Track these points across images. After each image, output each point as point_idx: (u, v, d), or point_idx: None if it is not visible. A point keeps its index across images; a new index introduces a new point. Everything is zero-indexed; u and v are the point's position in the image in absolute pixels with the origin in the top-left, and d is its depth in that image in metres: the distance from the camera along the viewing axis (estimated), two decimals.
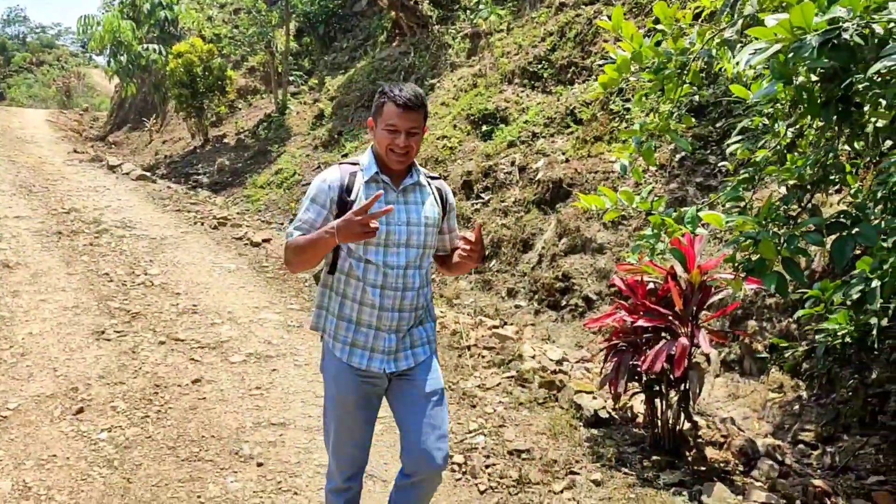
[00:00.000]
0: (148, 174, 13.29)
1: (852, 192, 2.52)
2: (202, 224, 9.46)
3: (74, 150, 16.23)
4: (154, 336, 5.34)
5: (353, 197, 2.56)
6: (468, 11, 13.05)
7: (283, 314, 6.11)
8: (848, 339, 3.38)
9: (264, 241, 8.66)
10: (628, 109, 7.83)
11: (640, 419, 4.30)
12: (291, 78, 15.83)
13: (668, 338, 3.66)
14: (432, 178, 2.80)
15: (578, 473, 3.72)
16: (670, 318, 3.66)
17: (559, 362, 5.26)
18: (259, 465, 3.66)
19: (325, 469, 3.69)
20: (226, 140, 15.79)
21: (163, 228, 8.88)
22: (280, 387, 4.63)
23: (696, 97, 6.84)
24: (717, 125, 6.91)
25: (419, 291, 2.66)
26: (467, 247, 2.53)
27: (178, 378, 4.63)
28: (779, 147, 2.41)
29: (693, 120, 2.92)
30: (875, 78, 1.84)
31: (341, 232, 2.37)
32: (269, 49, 15.43)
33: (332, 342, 2.67)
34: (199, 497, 3.36)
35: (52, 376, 4.55)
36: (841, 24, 1.78)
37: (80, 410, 4.11)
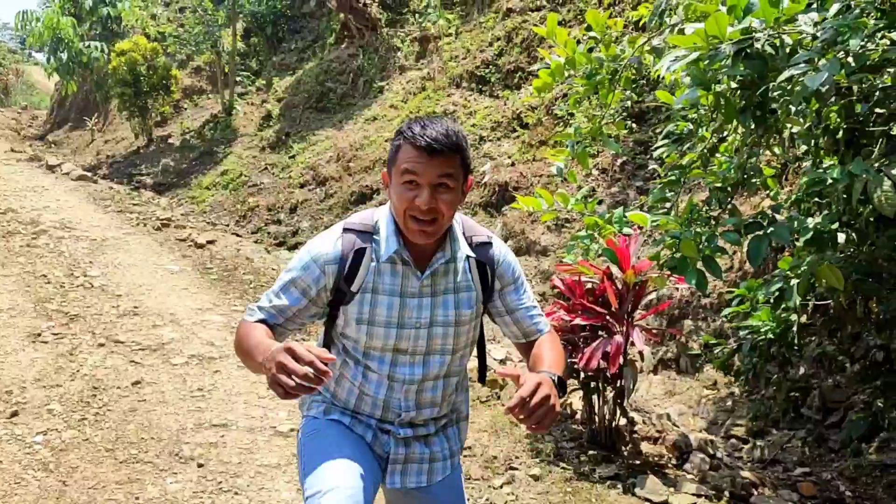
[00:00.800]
0: (89, 174, 12.99)
1: (772, 194, 2.65)
2: (145, 225, 9.31)
3: (12, 149, 15.77)
4: (93, 338, 5.24)
5: (355, 287, 1.87)
6: (417, 15, 13.13)
7: (226, 316, 6.07)
8: (771, 336, 3.53)
9: (209, 242, 8.56)
10: (573, 115, 7.99)
11: (578, 415, 4.40)
12: (239, 78, 15.66)
13: (605, 336, 3.77)
14: (481, 244, 1.99)
15: (518, 469, 3.80)
16: (606, 316, 3.77)
17: (502, 361, 5.35)
18: (200, 465, 3.64)
19: (267, 469, 3.71)
20: (171, 140, 15.52)
21: (104, 229, 8.71)
22: (222, 388, 4.60)
23: (637, 102, 7.03)
24: (657, 130, 7.10)
25: (446, 396, 2.02)
26: (517, 410, 1.58)
27: (117, 380, 4.56)
28: (703, 151, 2.52)
29: (625, 125, 3.02)
30: (785, 86, 1.95)
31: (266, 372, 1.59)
32: (216, 49, 15.22)
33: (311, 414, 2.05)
34: (137, 498, 3.33)
35: None
36: (754, 34, 1.89)
37: (15, 414, 4.02)
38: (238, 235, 9.92)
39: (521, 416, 1.54)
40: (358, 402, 1.98)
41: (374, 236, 1.92)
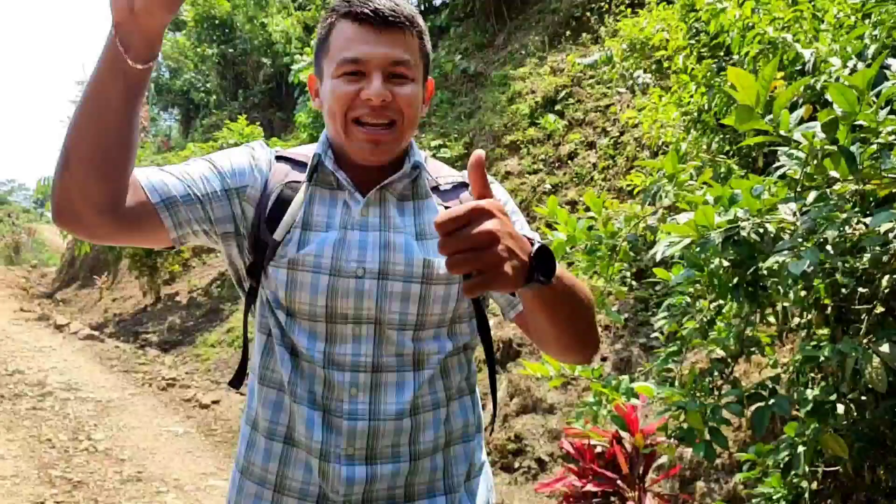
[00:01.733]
0: (96, 333, 13.13)
1: (771, 363, 2.77)
2: (150, 385, 9.32)
3: (21, 308, 16.00)
4: None
5: (279, 235, 1.36)
6: None
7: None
8: (783, 503, 3.50)
9: (213, 402, 8.54)
10: None
11: None
12: None
13: (617, 503, 3.74)
14: (445, 190, 1.45)
15: None
16: (618, 482, 3.76)
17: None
18: None
19: None
20: (178, 298, 15.79)
21: (109, 390, 8.72)
22: None
23: (635, 260, 7.27)
24: (657, 287, 7.30)
25: (423, 418, 1.37)
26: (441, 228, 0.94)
27: None
28: (702, 322, 2.65)
29: (625, 288, 3.19)
30: (773, 268, 2.11)
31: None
32: None
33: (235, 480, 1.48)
34: None
35: None
36: (739, 222, 2.08)
37: None
38: (242, 394, 9.89)
39: (443, 247, 0.93)
40: (283, 459, 1.37)
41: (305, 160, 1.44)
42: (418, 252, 1.36)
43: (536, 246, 1.06)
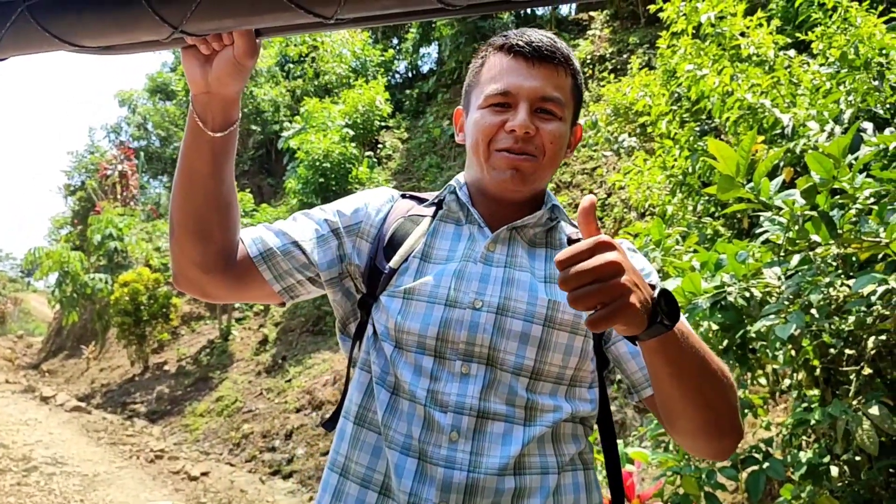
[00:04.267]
0: (83, 404, 12.93)
1: (764, 425, 2.77)
2: (138, 458, 9.14)
3: (6, 380, 15.78)
4: None
5: (395, 263, 1.31)
6: None
7: None
8: None
9: (203, 474, 8.38)
10: None
11: None
12: (237, 304, 16.12)
13: None
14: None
15: None
16: None
17: None
18: None
19: None
20: (166, 367, 15.62)
21: (96, 464, 8.55)
22: None
23: None
24: None
25: (529, 482, 1.21)
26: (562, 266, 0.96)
27: None
28: None
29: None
30: (761, 331, 2.14)
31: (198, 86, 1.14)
32: None
33: None
34: None
35: None
36: (726, 287, 2.12)
37: None
38: (231, 465, 9.71)
39: (565, 282, 0.93)
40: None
41: (437, 200, 1.39)
42: (543, 292, 1.26)
43: (659, 289, 1.02)
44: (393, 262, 1.31)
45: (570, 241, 1.18)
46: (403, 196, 1.43)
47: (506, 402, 1.22)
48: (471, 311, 1.23)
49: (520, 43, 1.25)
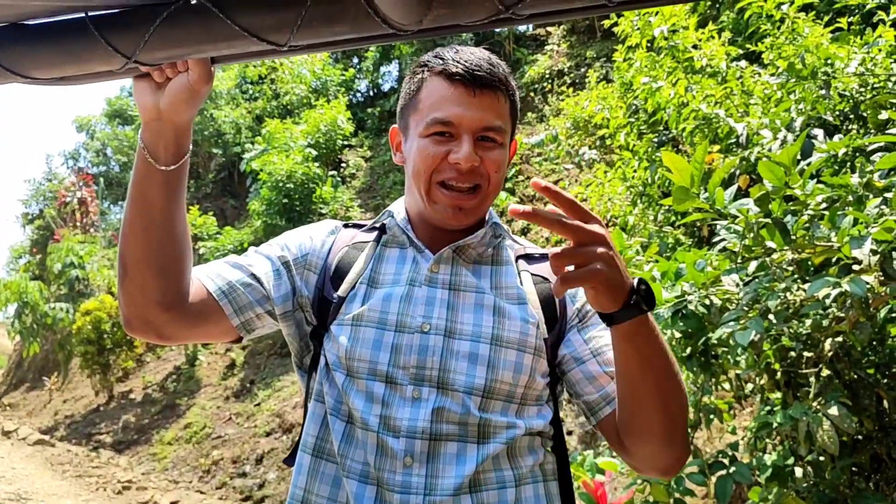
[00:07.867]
0: (46, 437, 12.62)
1: (730, 429, 2.82)
2: (105, 489, 8.95)
3: None
4: None
5: (344, 290, 1.33)
6: None
7: None
8: None
9: (172, 503, 8.23)
10: None
11: None
12: None
13: None
14: (533, 256, 1.39)
15: None
16: None
17: None
18: None
19: None
20: (132, 395, 15.33)
21: (61, 498, 8.34)
22: None
23: None
24: None
25: (486, 497, 1.21)
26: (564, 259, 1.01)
27: None
28: None
29: None
30: (722, 337, 2.19)
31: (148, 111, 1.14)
32: None
33: None
34: None
35: None
36: (686, 296, 2.16)
37: None
38: (202, 492, 9.55)
39: (557, 263, 0.99)
40: None
41: (384, 233, 1.39)
42: (489, 314, 1.28)
43: (637, 279, 1.09)
44: (341, 291, 1.33)
45: (518, 258, 1.31)
46: (346, 226, 1.44)
47: (458, 423, 1.23)
48: (419, 335, 1.25)
49: (460, 71, 1.24)
